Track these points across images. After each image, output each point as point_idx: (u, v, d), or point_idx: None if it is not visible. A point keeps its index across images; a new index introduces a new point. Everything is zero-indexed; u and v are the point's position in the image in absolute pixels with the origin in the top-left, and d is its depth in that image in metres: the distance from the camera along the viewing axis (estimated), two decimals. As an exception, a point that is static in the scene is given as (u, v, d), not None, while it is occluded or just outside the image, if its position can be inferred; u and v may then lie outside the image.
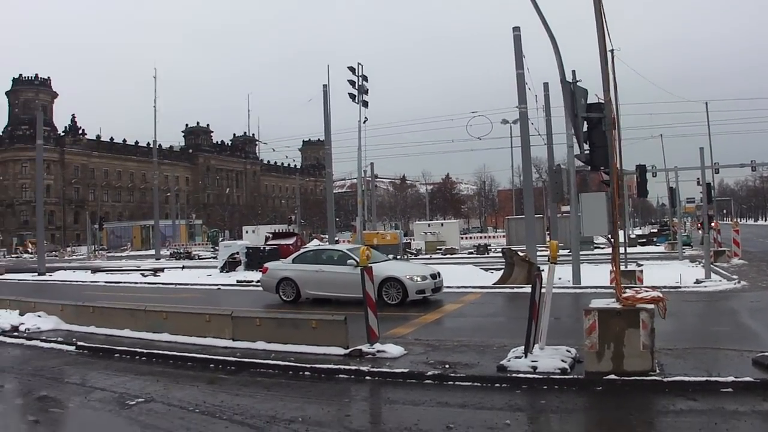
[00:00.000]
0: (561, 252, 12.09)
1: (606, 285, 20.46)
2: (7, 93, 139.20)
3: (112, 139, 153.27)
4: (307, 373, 11.89)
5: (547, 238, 46.31)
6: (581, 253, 25.17)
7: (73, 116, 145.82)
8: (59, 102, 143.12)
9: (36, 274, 43.42)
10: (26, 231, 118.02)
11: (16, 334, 17.53)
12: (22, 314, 18.59)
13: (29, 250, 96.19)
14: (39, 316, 18.41)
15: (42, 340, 16.62)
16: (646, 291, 10.78)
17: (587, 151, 11.90)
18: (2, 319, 18.31)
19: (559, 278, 19.67)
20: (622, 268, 10.92)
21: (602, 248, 43.52)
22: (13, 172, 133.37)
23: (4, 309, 19.22)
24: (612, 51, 13.00)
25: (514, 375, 10.43)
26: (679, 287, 21.53)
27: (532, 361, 10.54)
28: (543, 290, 11.13)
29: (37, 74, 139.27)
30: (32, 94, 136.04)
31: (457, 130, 47.12)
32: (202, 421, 9.32)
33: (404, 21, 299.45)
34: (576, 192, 23.60)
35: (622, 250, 11.00)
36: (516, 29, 27.46)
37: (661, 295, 10.51)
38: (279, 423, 9.00)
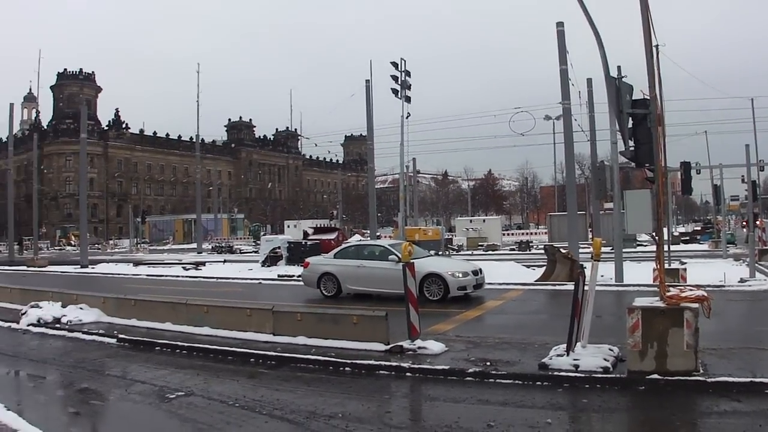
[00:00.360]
0: (603, 249, 11.94)
1: (649, 283, 20.25)
2: (52, 87, 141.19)
3: (155, 133, 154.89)
4: (347, 368, 11.88)
5: (590, 235, 46.07)
6: (623, 250, 24.92)
7: (117, 110, 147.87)
8: (103, 96, 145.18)
9: (78, 266, 44.10)
10: (69, 224, 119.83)
11: (58, 326, 17.76)
12: (64, 306, 18.80)
13: (72, 242, 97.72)
14: (81, 308, 18.62)
15: (83, 333, 16.82)
16: (691, 290, 10.64)
17: (632, 148, 11.79)
18: (45, 311, 18.54)
19: (602, 276, 19.47)
20: (666, 266, 10.81)
21: (645, 246, 43.17)
22: (57, 165, 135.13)
23: (46, 301, 19.43)
24: (656, 46, 12.84)
25: (555, 373, 10.34)
26: (723, 286, 21.20)
27: (574, 360, 10.45)
28: (586, 288, 11.03)
29: (81, 69, 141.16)
30: (77, 88, 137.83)
31: (500, 125, 47.26)
32: (241, 415, 9.35)
33: (447, 17, 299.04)
34: (619, 189, 23.38)
35: (665, 248, 10.87)
36: (559, 24, 27.29)
37: (705, 294, 10.36)
38: (319, 418, 8.99)
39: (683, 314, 9.82)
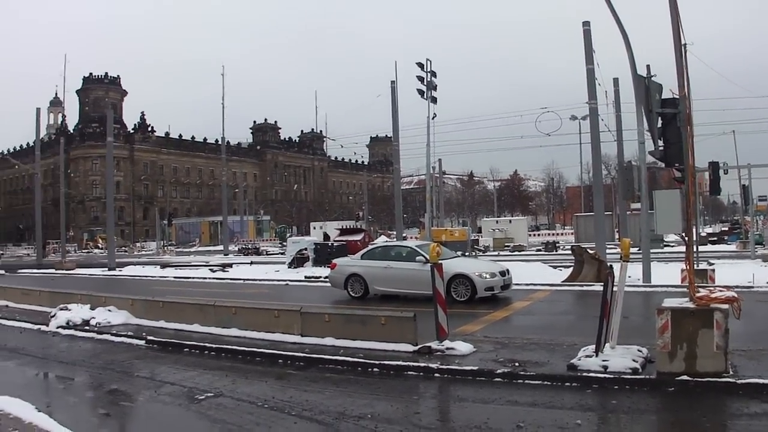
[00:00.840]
0: (631, 250, 11.90)
1: (677, 284, 20.12)
2: (77, 92, 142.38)
3: (180, 136, 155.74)
4: (375, 369, 11.91)
5: (616, 236, 45.83)
6: (651, 251, 24.77)
7: (143, 114, 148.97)
8: (128, 100, 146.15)
9: (106, 269, 44.37)
10: (96, 227, 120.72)
11: (87, 328, 17.93)
12: (93, 308, 18.99)
13: (99, 245, 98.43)
14: (109, 310, 18.78)
15: (112, 334, 16.98)
16: (720, 290, 10.56)
17: (661, 148, 11.73)
18: (74, 314, 18.72)
19: (629, 276, 19.33)
20: (694, 267, 10.76)
21: (672, 246, 42.87)
22: (84, 168, 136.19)
23: (75, 303, 19.62)
24: (685, 45, 12.79)
25: (584, 374, 10.31)
26: (752, 287, 21.00)
27: (603, 361, 10.41)
28: (615, 288, 10.98)
29: (106, 73, 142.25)
30: (102, 92, 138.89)
31: (525, 126, 47.09)
32: (270, 416, 9.39)
33: (472, 16, 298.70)
34: (647, 189, 23.27)
35: (694, 248, 10.84)
36: (586, 24, 27.18)
37: (735, 295, 10.28)
38: (348, 419, 9.02)
39: (713, 315, 9.76)
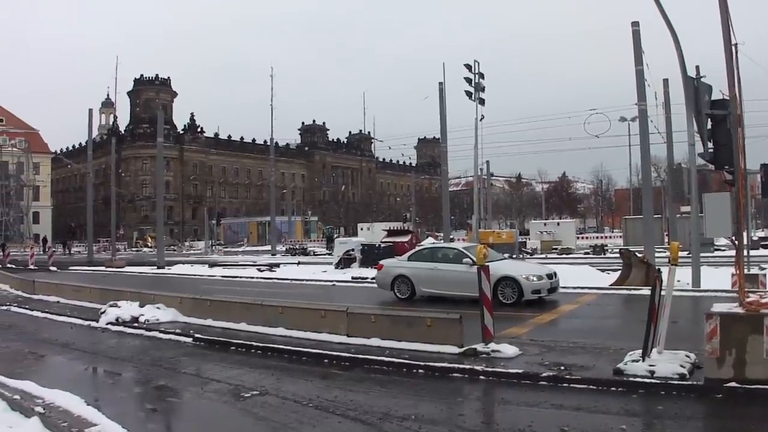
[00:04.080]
0: (680, 254, 11.76)
1: (727, 288, 19.90)
2: (129, 93, 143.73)
3: (229, 136, 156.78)
4: (420, 370, 11.91)
5: (666, 239, 45.34)
6: (701, 255, 24.47)
7: (192, 115, 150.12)
8: (178, 101, 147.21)
9: (155, 267, 44.89)
10: (146, 226, 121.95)
11: (136, 324, 18.18)
12: (142, 306, 19.20)
13: (149, 244, 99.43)
14: (158, 308, 18.97)
15: (160, 332, 17.19)
16: (771, 296, 10.41)
17: (711, 150, 11.59)
18: (123, 311, 18.97)
19: (678, 281, 19.10)
20: (745, 271, 10.61)
21: (722, 250, 42.35)
22: (134, 168, 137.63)
23: (124, 300, 19.87)
24: (736, 45, 12.63)
25: (630, 379, 10.21)
26: (805, 292, 20.74)
27: (650, 366, 10.30)
28: (663, 293, 10.86)
29: (157, 74, 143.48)
30: (153, 93, 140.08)
31: (574, 128, 46.58)
32: (315, 415, 9.43)
33: (520, 17, 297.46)
34: (697, 192, 23.00)
35: (745, 252, 10.68)
36: (635, 24, 26.94)
37: (787, 301, 10.13)
38: (392, 420, 9.02)
39: (763, 321, 9.59)
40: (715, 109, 11.53)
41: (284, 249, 72.26)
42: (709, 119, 11.60)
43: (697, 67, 23.18)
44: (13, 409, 9.19)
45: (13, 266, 48.27)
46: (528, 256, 47.90)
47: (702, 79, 14.55)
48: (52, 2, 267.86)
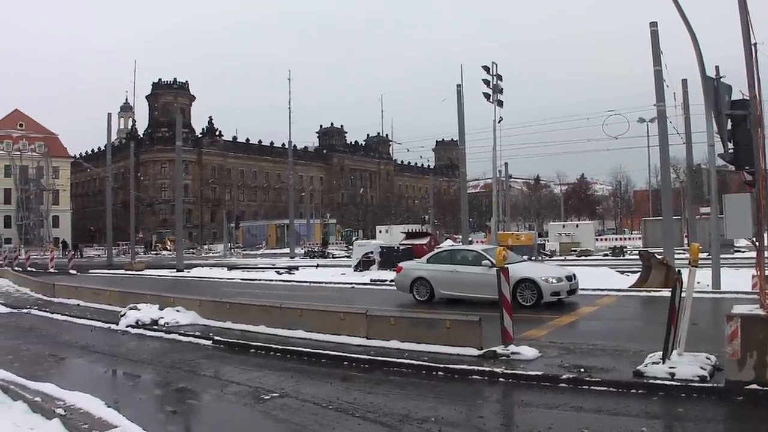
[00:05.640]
0: (700, 255, 11.68)
1: (747, 290, 19.75)
2: (147, 97, 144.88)
3: (247, 140, 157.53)
4: (440, 373, 11.89)
5: (685, 241, 45.10)
6: (721, 256, 24.33)
7: (210, 118, 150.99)
8: (196, 105, 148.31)
9: (174, 270, 45.13)
10: (165, 229, 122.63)
11: (155, 327, 18.28)
12: (161, 309, 19.33)
13: (168, 247, 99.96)
14: (177, 310, 19.08)
15: (180, 334, 17.28)
16: (793, 297, 10.33)
17: (731, 150, 11.53)
18: (143, 313, 19.08)
19: (698, 282, 19.00)
20: (766, 272, 10.51)
21: (742, 251, 42.07)
22: (153, 172, 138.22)
23: (144, 303, 20.03)
24: (755, 44, 12.55)
25: (650, 381, 10.16)
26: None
27: (670, 368, 10.24)
28: (683, 294, 10.80)
29: (175, 78, 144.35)
30: (171, 97, 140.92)
31: (592, 129, 46.36)
32: (335, 417, 9.44)
33: (538, 18, 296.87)
34: (717, 193, 22.88)
35: (766, 254, 10.57)
36: (653, 24, 26.81)
37: (808, 302, 10.06)
38: (412, 422, 9.02)
39: (784, 322, 9.54)
40: (735, 109, 11.47)
41: (303, 252, 72.38)
42: (728, 120, 11.53)
43: (717, 67, 23.11)
44: (35, 411, 9.26)
45: (33, 269, 48.62)
46: (547, 258, 47.75)
47: (721, 80, 14.46)
48: (71, 8, 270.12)
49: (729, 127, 11.50)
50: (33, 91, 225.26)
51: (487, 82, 39.99)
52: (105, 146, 65.41)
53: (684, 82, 39.03)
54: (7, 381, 10.78)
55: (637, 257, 28.66)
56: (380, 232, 75.07)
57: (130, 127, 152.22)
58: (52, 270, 48.37)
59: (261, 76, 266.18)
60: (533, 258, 39.91)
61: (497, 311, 12.60)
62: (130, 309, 19.52)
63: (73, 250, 78.72)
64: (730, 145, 11.51)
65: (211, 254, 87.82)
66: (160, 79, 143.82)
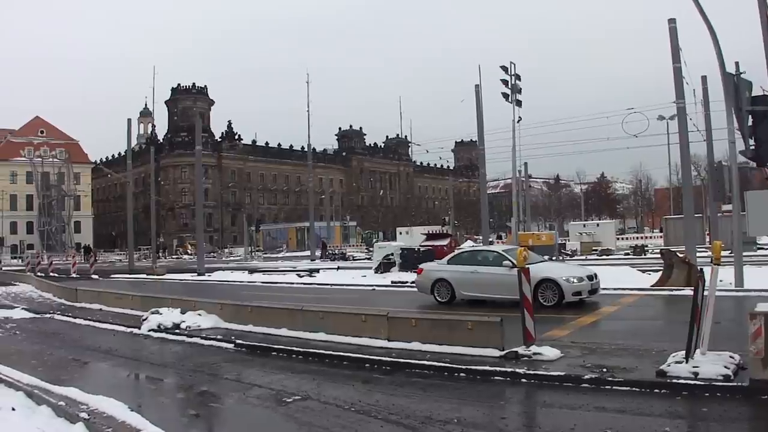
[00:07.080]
0: (722, 253, 11.61)
1: (771, 288, 19.66)
2: (166, 102, 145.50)
3: (267, 143, 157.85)
4: (462, 374, 11.86)
5: (707, 239, 44.86)
6: (743, 254, 24.17)
7: (230, 122, 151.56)
8: (216, 109, 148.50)
9: (195, 274, 45.19)
10: (186, 233, 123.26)
11: (177, 331, 18.35)
12: (183, 312, 19.39)
13: (189, 251, 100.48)
14: (199, 314, 19.15)
15: (202, 338, 17.34)
16: (817, 294, 10.26)
17: (752, 147, 11.46)
18: (164, 317, 19.15)
19: (721, 280, 18.92)
20: (790, 269, 10.48)
21: (766, 249, 41.84)
22: (173, 177, 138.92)
23: (166, 307, 20.09)
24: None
25: (674, 381, 10.08)
26: None
27: (694, 367, 10.16)
28: (705, 293, 10.72)
29: (194, 83, 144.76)
30: (190, 102, 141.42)
31: (612, 127, 46.19)
32: (357, 419, 9.43)
33: (556, 17, 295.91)
34: (738, 190, 22.74)
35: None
36: (671, 21, 26.63)
37: (831, 299, 9.97)
38: (434, 424, 9.00)
39: (808, 320, 9.46)
40: (756, 105, 11.39)
41: (318, 254, 72.45)
42: (749, 116, 11.46)
43: (737, 63, 22.95)
44: (59, 415, 9.33)
45: (56, 275, 48.87)
46: (568, 257, 47.63)
47: (742, 75, 14.40)
48: (92, 17, 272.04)
49: (750, 123, 11.42)
50: (54, 99, 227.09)
51: (505, 82, 40.01)
52: (125, 152, 65.71)
53: (703, 78, 38.89)
54: (32, 385, 10.87)
55: (659, 256, 28.53)
56: (401, 233, 75.03)
57: (150, 133, 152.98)
58: (74, 275, 48.65)
59: (279, 79, 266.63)
60: (554, 258, 39.80)
61: (518, 312, 12.55)
62: (152, 313, 19.59)
63: (86, 254, 79.04)
64: (752, 142, 11.45)
65: (231, 258, 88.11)
66: (179, 84, 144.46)
